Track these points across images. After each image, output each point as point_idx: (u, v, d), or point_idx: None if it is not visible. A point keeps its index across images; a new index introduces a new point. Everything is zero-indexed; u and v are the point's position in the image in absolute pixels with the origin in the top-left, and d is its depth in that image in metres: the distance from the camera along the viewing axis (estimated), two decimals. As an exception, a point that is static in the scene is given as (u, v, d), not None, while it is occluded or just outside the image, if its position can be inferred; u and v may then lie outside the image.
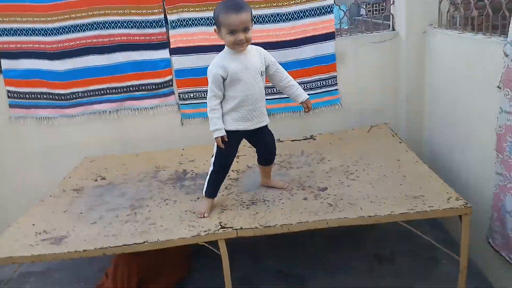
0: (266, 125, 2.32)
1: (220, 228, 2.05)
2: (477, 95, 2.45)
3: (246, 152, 2.86)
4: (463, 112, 2.63)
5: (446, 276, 2.46)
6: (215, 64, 2.14)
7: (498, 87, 2.15)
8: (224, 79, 2.12)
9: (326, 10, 3.02)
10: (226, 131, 2.16)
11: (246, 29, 2.04)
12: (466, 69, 2.55)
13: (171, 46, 3.13)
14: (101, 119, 3.28)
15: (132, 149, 3.30)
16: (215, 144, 2.19)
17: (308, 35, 3.07)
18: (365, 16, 3.47)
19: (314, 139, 3.09)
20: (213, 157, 2.26)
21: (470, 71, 2.51)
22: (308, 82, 3.15)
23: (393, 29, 3.19)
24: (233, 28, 2.02)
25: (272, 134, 2.41)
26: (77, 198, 2.61)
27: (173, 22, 3.07)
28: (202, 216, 2.20)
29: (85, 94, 3.21)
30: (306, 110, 2.34)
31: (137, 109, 3.25)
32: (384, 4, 3.41)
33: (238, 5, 2.01)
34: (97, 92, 3.21)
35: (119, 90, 3.21)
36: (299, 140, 3.10)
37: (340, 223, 2.00)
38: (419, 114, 3.18)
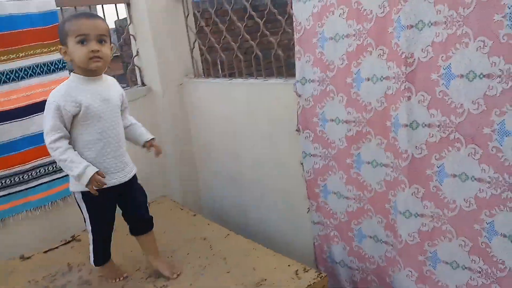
0: (135, 177, 1.78)
1: None
2: (261, 143, 2.24)
3: None
4: (247, 163, 2.38)
5: None
6: (58, 94, 1.56)
7: (297, 130, 1.95)
8: (73, 116, 1.55)
9: (57, 66, 2.25)
10: (84, 193, 1.62)
11: (102, 41, 1.56)
12: (239, 118, 2.33)
13: None
14: None
15: None
16: (83, 205, 1.66)
17: (37, 100, 2.19)
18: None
19: (79, 240, 2.19)
20: (86, 221, 1.71)
21: (244, 120, 2.30)
22: (43, 166, 2.24)
23: (143, 84, 2.69)
24: (84, 32, 1.52)
25: (142, 189, 1.82)
26: None
27: None
28: (119, 279, 1.80)
29: None
30: (156, 154, 1.85)
31: None
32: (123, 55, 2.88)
33: (91, 14, 1.67)
34: None
35: None
36: (56, 248, 2.14)
37: None
38: (194, 176, 2.80)
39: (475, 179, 1.32)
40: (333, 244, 1.96)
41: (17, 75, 2.13)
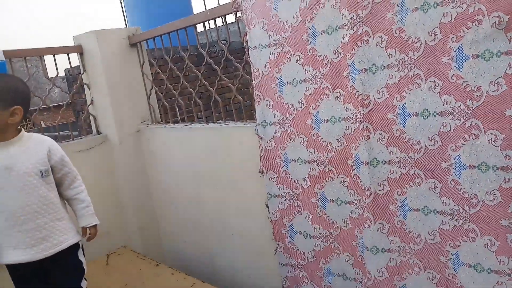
0: (68, 252, 1.57)
1: None
2: (224, 187, 2.23)
3: None
4: (208, 209, 2.35)
5: None
6: None
7: (260, 172, 1.97)
8: None
9: None
10: (6, 265, 1.51)
11: None
12: (200, 163, 2.32)
13: None
14: None
15: None
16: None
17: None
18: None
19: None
20: None
21: (205, 164, 2.29)
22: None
23: (99, 132, 2.63)
24: None
25: (77, 265, 1.60)
26: None
27: None
28: None
29: None
30: (87, 237, 1.70)
31: None
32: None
33: None
34: None
35: None
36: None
37: None
38: (154, 225, 2.72)
39: (437, 212, 1.38)
40: (303, 285, 1.94)
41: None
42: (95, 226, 1.70)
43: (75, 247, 1.61)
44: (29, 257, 1.50)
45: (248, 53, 1.85)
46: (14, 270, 1.54)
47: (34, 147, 1.56)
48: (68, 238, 1.59)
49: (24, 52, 2.31)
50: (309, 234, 1.84)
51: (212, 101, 2.24)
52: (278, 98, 1.77)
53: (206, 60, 2.20)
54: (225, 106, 2.20)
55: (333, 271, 1.82)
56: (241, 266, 2.28)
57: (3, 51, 2.15)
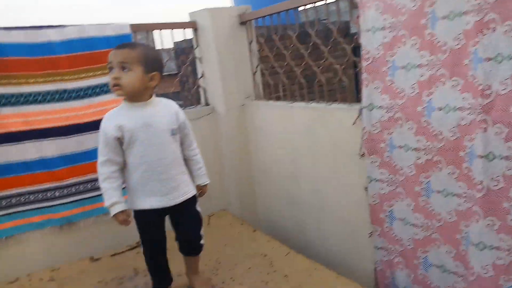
0: (191, 202, 1.78)
1: None
2: (322, 167, 2.27)
3: None
4: (305, 186, 2.42)
5: None
6: (106, 120, 1.69)
7: (361, 155, 1.97)
8: (120, 141, 1.65)
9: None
10: (137, 211, 1.71)
11: (124, 68, 1.60)
12: (299, 141, 2.38)
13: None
14: None
15: None
16: (134, 221, 1.72)
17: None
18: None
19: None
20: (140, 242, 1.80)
21: (305, 143, 2.34)
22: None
23: (207, 104, 2.80)
24: (109, 59, 1.63)
25: (197, 214, 1.83)
26: None
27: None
28: None
29: None
30: (199, 194, 1.88)
31: None
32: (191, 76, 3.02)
33: (125, 43, 1.69)
34: None
35: None
36: (122, 252, 2.26)
37: None
38: (251, 194, 2.87)
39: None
40: (397, 270, 1.94)
41: (92, 91, 2.29)
42: (206, 185, 1.88)
43: (195, 198, 1.81)
44: (162, 203, 1.70)
45: (360, 35, 1.84)
46: (143, 216, 1.72)
47: (165, 109, 1.74)
48: (191, 189, 1.79)
49: (147, 26, 2.52)
50: (409, 222, 1.82)
51: (315, 80, 2.27)
52: (389, 82, 1.74)
53: (312, 39, 2.22)
54: (320, 86, 2.22)
55: (431, 261, 1.80)
56: (333, 243, 2.33)
57: (130, 25, 2.37)
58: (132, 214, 1.74)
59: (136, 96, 1.66)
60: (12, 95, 2.12)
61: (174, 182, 1.72)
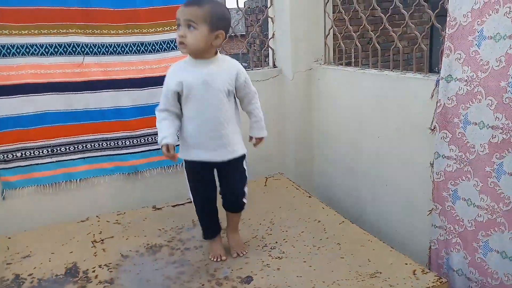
0: (238, 160, 1.81)
1: None
2: (387, 137, 2.20)
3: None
4: (366, 156, 2.37)
5: None
6: (170, 73, 1.75)
7: (431, 128, 1.89)
8: (179, 94, 1.70)
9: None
10: (186, 161, 1.81)
11: (190, 26, 1.61)
12: (366, 109, 2.31)
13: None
14: None
15: None
16: (184, 172, 1.82)
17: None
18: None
19: (202, 201, 2.40)
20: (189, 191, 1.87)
21: (372, 112, 2.28)
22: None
23: (274, 66, 2.79)
24: (177, 17, 1.63)
25: (243, 171, 1.87)
26: None
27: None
28: (216, 259, 1.84)
29: None
30: (254, 144, 1.92)
31: None
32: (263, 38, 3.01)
33: (194, 0, 1.64)
34: None
35: None
36: (182, 204, 2.37)
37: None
38: (309, 160, 2.86)
39: None
40: (453, 251, 1.88)
41: (166, 46, 2.36)
42: (261, 138, 1.89)
43: (243, 157, 1.84)
44: (209, 157, 1.76)
45: (447, 0, 1.72)
46: (191, 166, 1.81)
47: (227, 68, 1.74)
48: (240, 148, 1.81)
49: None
50: (474, 203, 1.74)
51: (392, 48, 2.18)
52: (473, 52, 1.63)
53: (395, 3, 2.11)
54: (387, 55, 2.13)
55: (492, 246, 1.71)
56: (389, 217, 2.29)
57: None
58: (184, 164, 1.82)
59: (199, 53, 1.68)
60: (95, 45, 2.23)
61: (224, 140, 1.74)
